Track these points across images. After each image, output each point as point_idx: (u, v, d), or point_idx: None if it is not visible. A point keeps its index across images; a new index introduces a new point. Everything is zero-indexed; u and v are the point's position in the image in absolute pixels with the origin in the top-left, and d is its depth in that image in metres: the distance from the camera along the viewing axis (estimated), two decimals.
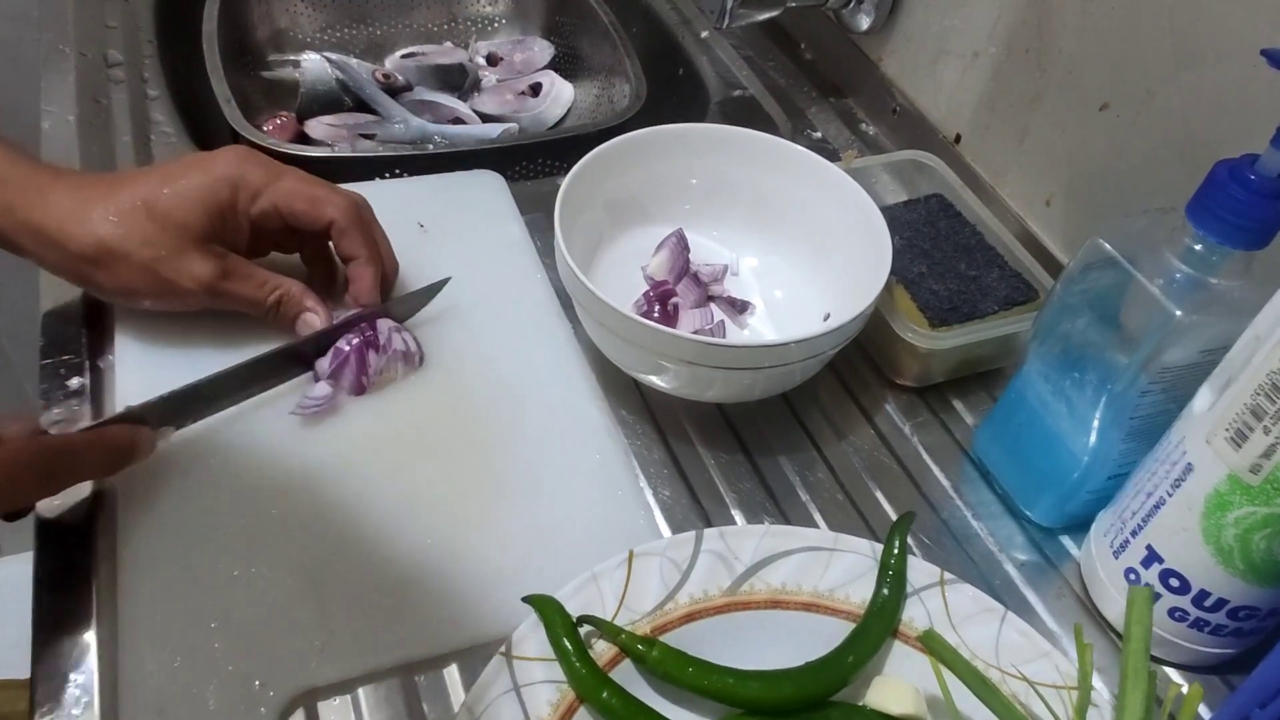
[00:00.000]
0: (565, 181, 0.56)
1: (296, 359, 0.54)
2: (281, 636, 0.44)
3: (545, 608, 0.43)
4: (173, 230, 0.49)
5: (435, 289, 0.58)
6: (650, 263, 0.62)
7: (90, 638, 0.44)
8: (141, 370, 0.53)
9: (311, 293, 0.54)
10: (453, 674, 0.45)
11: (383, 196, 0.58)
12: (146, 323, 0.54)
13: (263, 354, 0.52)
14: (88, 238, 0.48)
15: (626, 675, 0.43)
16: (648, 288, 0.61)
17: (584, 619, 0.43)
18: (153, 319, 0.54)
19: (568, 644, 0.42)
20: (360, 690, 0.44)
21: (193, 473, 0.49)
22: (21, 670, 0.45)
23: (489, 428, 0.54)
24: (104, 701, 0.42)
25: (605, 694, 0.41)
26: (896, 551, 0.46)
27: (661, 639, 0.43)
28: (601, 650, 0.43)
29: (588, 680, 0.41)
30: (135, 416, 0.47)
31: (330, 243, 0.56)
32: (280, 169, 0.53)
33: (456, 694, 0.45)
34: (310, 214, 0.53)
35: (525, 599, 0.44)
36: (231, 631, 0.44)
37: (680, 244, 0.62)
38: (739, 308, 0.62)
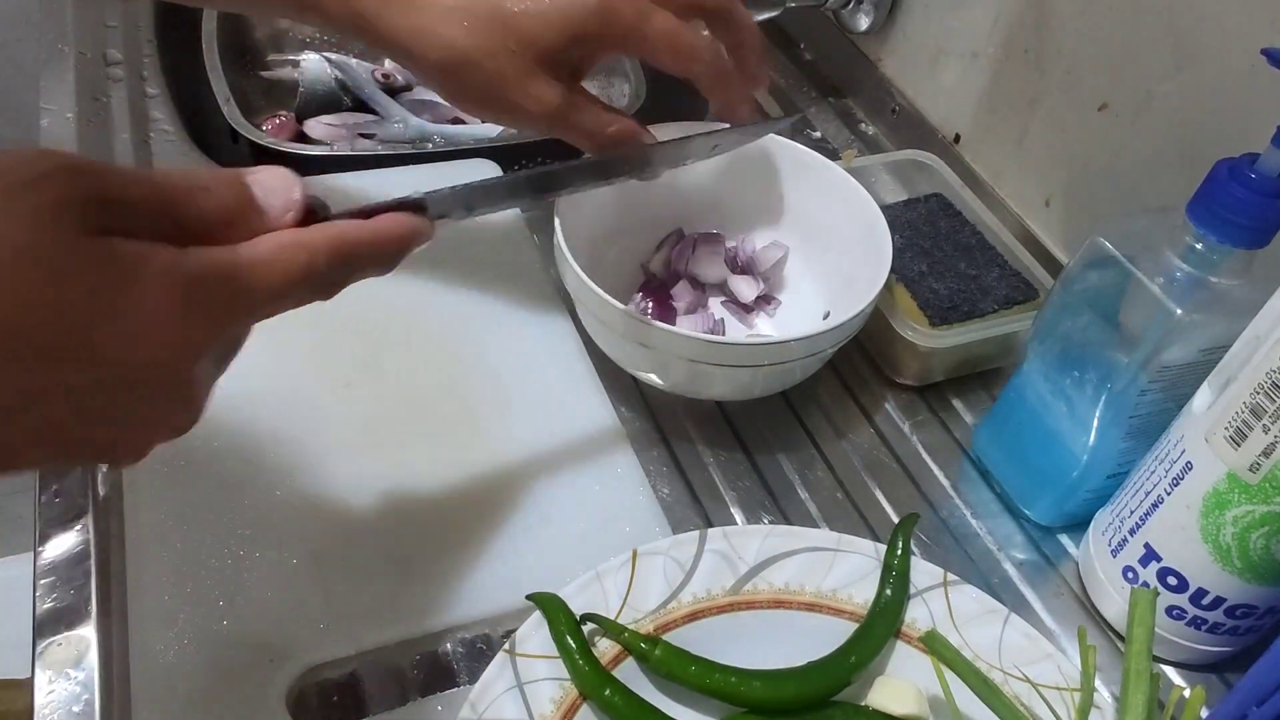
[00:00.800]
0: None
1: (603, 172, 0.50)
2: (289, 614, 0.45)
3: (549, 605, 0.43)
4: (523, 45, 0.47)
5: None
6: (650, 260, 0.63)
7: (91, 636, 0.44)
8: None
9: (646, 130, 0.52)
10: (448, 651, 0.46)
11: (381, 185, 0.59)
12: None
13: (572, 163, 0.47)
14: (437, 45, 0.47)
15: (629, 674, 0.43)
16: (647, 285, 0.62)
17: (587, 617, 0.43)
18: None
19: (571, 642, 0.42)
20: (359, 666, 0.45)
21: (198, 456, 0.50)
22: (22, 670, 0.45)
23: (489, 413, 0.54)
24: (105, 700, 0.42)
25: (608, 692, 0.41)
26: (900, 552, 0.46)
27: (664, 638, 0.43)
28: (605, 649, 0.43)
29: (591, 678, 0.41)
30: (414, 204, 0.39)
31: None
32: (650, 4, 0.49)
33: (452, 670, 0.46)
34: (673, 68, 0.50)
35: (529, 597, 0.44)
36: (239, 610, 0.45)
37: (680, 242, 0.62)
38: (752, 304, 0.62)
